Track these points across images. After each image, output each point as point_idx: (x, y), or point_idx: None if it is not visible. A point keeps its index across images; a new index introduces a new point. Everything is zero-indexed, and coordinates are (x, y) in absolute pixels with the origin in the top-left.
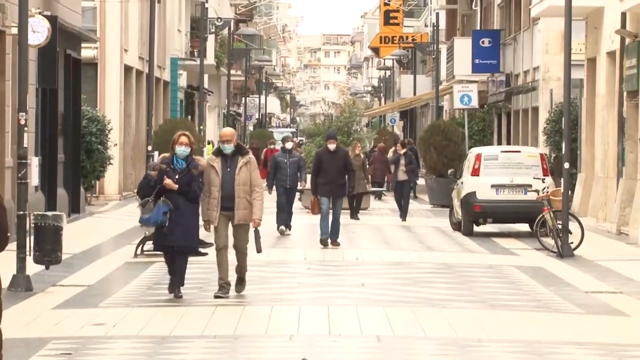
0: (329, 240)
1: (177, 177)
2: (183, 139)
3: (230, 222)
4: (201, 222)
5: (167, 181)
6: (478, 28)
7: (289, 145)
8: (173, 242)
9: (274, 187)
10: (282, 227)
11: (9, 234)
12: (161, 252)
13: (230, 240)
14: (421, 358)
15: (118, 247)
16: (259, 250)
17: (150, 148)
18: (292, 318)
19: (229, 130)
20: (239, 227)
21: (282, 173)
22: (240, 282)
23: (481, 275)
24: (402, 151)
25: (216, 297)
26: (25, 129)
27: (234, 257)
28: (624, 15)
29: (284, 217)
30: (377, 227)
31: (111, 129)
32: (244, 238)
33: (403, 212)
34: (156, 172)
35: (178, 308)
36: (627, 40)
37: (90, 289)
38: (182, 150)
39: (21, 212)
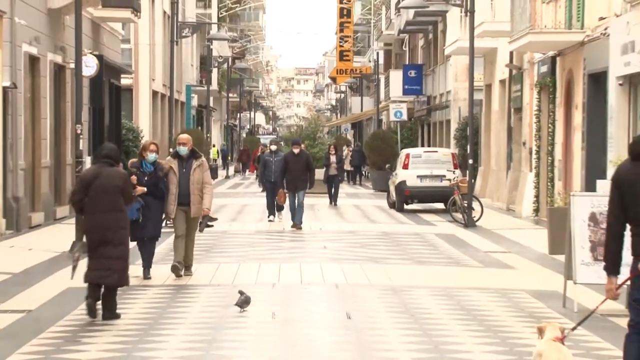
0: (293, 225)
1: (146, 178)
2: (153, 146)
3: (186, 214)
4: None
5: (139, 189)
6: (407, 63)
7: (273, 147)
8: (144, 234)
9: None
10: (272, 217)
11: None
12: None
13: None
14: (367, 299)
15: None
16: (200, 230)
17: (171, 150)
18: (274, 271)
19: (185, 135)
20: (192, 220)
21: (269, 170)
22: (188, 269)
23: (410, 240)
24: (332, 152)
25: (177, 277)
26: (81, 136)
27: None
28: (511, 53)
29: (272, 210)
30: (334, 207)
31: (143, 136)
32: (194, 228)
33: (334, 199)
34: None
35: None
36: (514, 72)
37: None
38: (152, 156)
39: None
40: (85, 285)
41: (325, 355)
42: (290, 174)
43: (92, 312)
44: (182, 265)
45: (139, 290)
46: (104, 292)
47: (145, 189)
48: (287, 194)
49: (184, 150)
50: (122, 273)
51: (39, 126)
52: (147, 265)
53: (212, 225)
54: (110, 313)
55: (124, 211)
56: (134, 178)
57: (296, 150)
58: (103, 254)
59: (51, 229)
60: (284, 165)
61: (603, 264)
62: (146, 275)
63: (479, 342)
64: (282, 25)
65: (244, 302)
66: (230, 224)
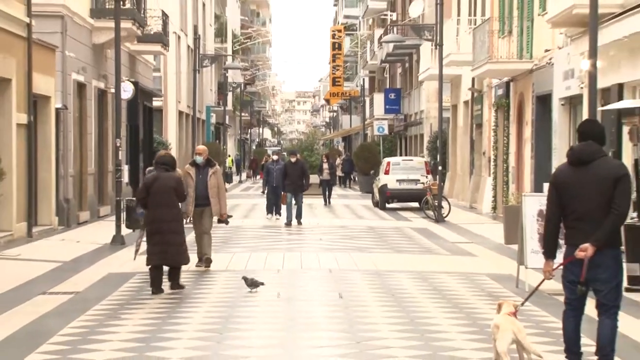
0: (295, 221)
1: None
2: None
3: (201, 214)
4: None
5: None
6: (388, 87)
7: (275, 157)
8: None
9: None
10: (269, 215)
11: (185, 193)
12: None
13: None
14: (356, 282)
15: None
16: (227, 223)
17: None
18: (279, 259)
19: (202, 147)
20: (208, 218)
21: (271, 176)
22: (208, 261)
23: (391, 233)
24: (325, 160)
25: (197, 266)
26: (120, 148)
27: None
28: (473, 79)
29: (272, 208)
30: (329, 206)
31: (171, 148)
32: (210, 224)
33: (327, 200)
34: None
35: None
36: (475, 94)
37: None
38: None
39: (118, 198)
40: (126, 271)
41: (321, 328)
42: (289, 179)
43: (156, 289)
44: (205, 257)
45: (166, 277)
46: (169, 270)
47: None
48: (287, 197)
49: (199, 159)
50: (177, 255)
51: (86, 140)
52: None
53: (228, 222)
54: (176, 285)
55: (178, 207)
56: None
57: (293, 159)
58: (160, 241)
59: (95, 225)
60: (284, 171)
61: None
62: None
63: (448, 317)
64: (286, 56)
65: (252, 283)
66: (242, 220)
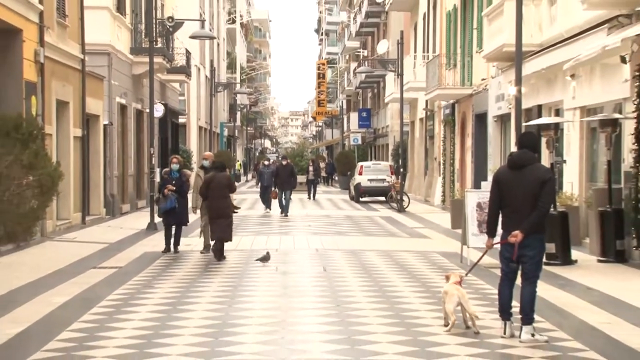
0: (282, 213)
1: (173, 182)
2: (175, 160)
3: None
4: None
5: (168, 188)
6: (361, 107)
7: (267, 162)
8: (174, 221)
9: (261, 186)
10: (267, 210)
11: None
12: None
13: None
14: (336, 258)
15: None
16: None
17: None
18: (276, 241)
19: (208, 153)
20: None
21: (262, 178)
22: (207, 248)
23: (363, 221)
24: (311, 164)
25: (202, 253)
26: (153, 155)
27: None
28: (427, 101)
29: (266, 204)
30: (315, 200)
31: (193, 155)
32: None
33: (312, 196)
34: (166, 176)
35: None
36: (428, 113)
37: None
38: (175, 166)
39: (152, 194)
40: (159, 250)
41: (309, 294)
42: (279, 179)
43: (219, 257)
44: (210, 246)
45: (189, 255)
46: (218, 244)
47: (174, 188)
48: (277, 192)
49: (206, 162)
50: (227, 234)
51: (127, 149)
52: (176, 243)
53: (237, 212)
54: (221, 256)
55: (229, 198)
56: (169, 187)
57: (284, 162)
58: (217, 224)
59: (134, 215)
60: (276, 172)
61: (486, 234)
62: (176, 250)
63: (408, 285)
64: (282, 82)
65: (264, 258)
66: (248, 210)
